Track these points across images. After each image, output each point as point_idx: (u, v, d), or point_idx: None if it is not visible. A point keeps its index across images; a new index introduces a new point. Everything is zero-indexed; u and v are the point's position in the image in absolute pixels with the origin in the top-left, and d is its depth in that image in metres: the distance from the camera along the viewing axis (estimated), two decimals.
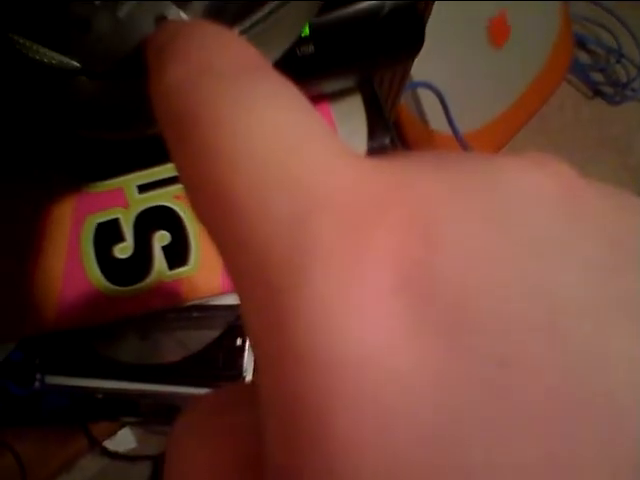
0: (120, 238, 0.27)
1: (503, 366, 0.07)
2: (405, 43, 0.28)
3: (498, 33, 0.81)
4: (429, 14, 0.35)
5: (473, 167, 0.09)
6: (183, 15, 0.20)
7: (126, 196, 0.28)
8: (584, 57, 1.07)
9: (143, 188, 0.28)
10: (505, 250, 0.08)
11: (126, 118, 0.20)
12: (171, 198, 0.28)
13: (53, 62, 0.20)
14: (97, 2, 0.20)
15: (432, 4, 0.34)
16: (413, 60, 0.31)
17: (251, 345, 0.09)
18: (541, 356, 0.07)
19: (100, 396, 0.45)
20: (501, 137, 0.86)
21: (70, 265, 0.27)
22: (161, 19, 0.20)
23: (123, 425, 0.60)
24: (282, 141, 0.09)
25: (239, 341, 0.40)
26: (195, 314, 0.35)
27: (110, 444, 0.61)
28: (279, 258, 0.08)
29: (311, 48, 0.26)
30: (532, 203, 0.08)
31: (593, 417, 0.07)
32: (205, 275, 0.28)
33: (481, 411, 0.07)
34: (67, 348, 0.39)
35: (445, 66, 0.76)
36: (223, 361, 0.41)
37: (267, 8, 0.21)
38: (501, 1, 0.81)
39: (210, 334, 0.40)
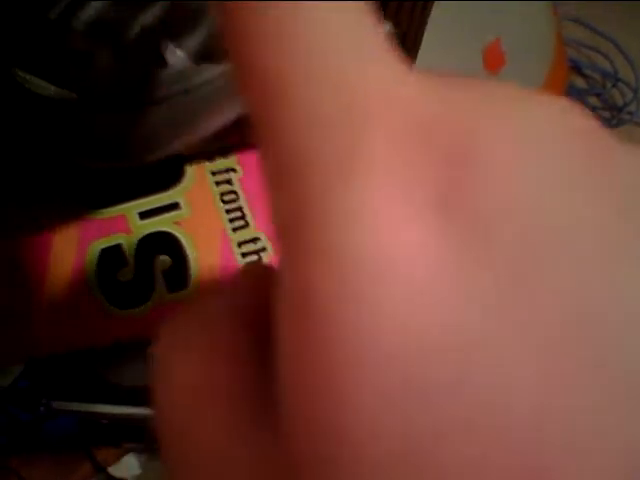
0: (123, 263, 0.28)
1: (517, 286, 0.07)
2: None
3: (493, 59, 0.82)
4: (419, 44, 0.36)
5: (513, 95, 0.09)
6: (179, 53, 0.22)
7: (128, 222, 0.29)
8: (580, 82, 1.08)
9: (144, 215, 0.30)
10: (533, 181, 0.08)
11: (124, 148, 0.21)
12: (171, 224, 0.30)
13: (53, 95, 0.21)
14: (97, 37, 0.22)
15: (419, 46, 0.35)
16: None
17: (273, 243, 0.09)
18: (553, 280, 0.07)
19: (105, 421, 0.45)
20: None
21: (75, 289, 0.28)
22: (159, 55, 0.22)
23: (127, 451, 0.61)
24: (345, 41, 0.09)
25: None
26: None
27: (115, 470, 0.61)
28: (327, 157, 0.08)
29: None
30: (566, 137, 0.09)
31: (590, 338, 0.07)
32: None
33: (489, 326, 0.07)
34: (73, 373, 0.40)
35: None
36: None
37: None
38: (495, 28, 0.82)
39: None
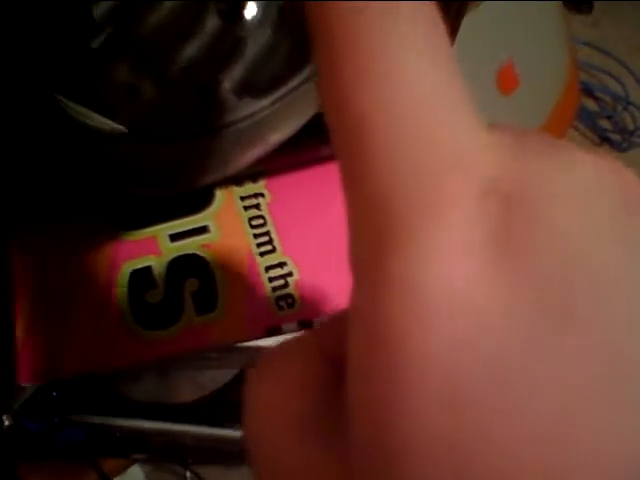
0: (153, 285, 0.29)
1: (564, 317, 0.09)
2: None
3: (507, 81, 0.83)
4: None
5: (569, 157, 0.11)
6: (225, 85, 0.22)
7: (159, 244, 0.30)
8: (591, 104, 1.08)
9: (175, 237, 0.30)
10: (578, 232, 0.09)
11: (167, 178, 0.22)
12: (200, 247, 0.30)
13: (99, 126, 0.22)
14: (141, 69, 0.22)
15: None
16: None
17: (350, 266, 0.10)
18: (594, 315, 0.09)
19: (118, 434, 0.45)
20: None
21: (105, 310, 0.28)
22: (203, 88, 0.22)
23: (133, 462, 0.61)
24: (433, 104, 0.10)
25: None
26: (212, 354, 0.36)
27: None
28: (408, 203, 0.09)
29: None
30: (605, 198, 0.10)
31: (626, 378, 0.08)
32: (231, 321, 0.29)
33: (538, 354, 0.08)
34: (86, 385, 0.40)
35: None
36: (239, 401, 0.42)
37: (291, 84, 0.23)
38: (509, 50, 0.83)
39: (226, 374, 0.41)
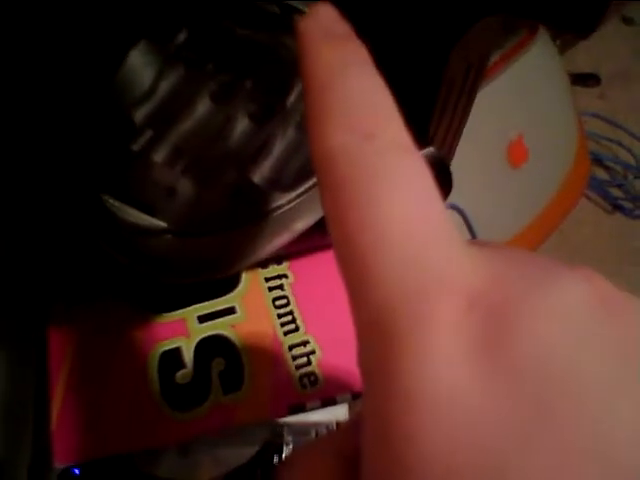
0: (181, 365, 0.30)
1: (548, 416, 0.10)
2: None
3: (516, 155, 0.85)
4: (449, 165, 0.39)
5: (544, 273, 0.12)
6: (255, 181, 0.24)
7: (187, 326, 0.31)
8: (602, 174, 1.10)
9: (203, 319, 0.32)
10: (557, 338, 0.11)
11: (203, 267, 0.23)
12: (227, 327, 0.31)
13: (139, 222, 0.23)
14: (178, 168, 0.24)
15: (452, 158, 0.38)
16: (445, 201, 0.35)
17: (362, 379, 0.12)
18: (570, 417, 0.10)
19: None
20: None
21: (137, 392, 0.29)
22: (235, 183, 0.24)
23: None
24: (415, 234, 0.12)
25: (276, 458, 0.41)
26: (233, 431, 0.36)
27: None
28: (402, 317, 0.11)
29: None
30: (581, 305, 0.11)
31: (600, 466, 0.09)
32: (256, 399, 0.30)
33: (529, 452, 0.10)
34: (107, 462, 0.40)
35: (468, 187, 0.79)
36: (261, 478, 0.42)
37: (314, 179, 0.25)
38: (519, 125, 0.85)
39: (247, 451, 0.41)
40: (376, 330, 0.11)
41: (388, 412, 0.11)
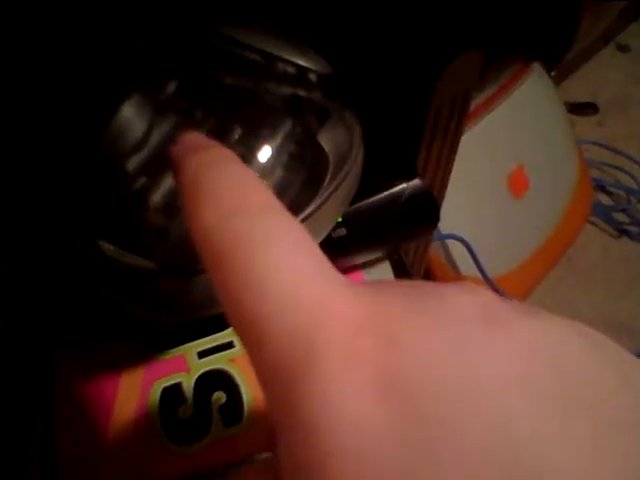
0: (182, 400, 0.31)
1: (443, 433, 0.10)
2: (423, 222, 0.33)
3: (517, 185, 0.86)
4: (443, 197, 0.40)
5: (426, 293, 0.13)
6: None
7: (187, 362, 0.32)
8: (605, 199, 1.10)
9: (202, 354, 0.33)
10: (444, 351, 0.11)
11: (199, 306, 0.24)
12: (226, 361, 0.32)
13: (134, 263, 0.24)
14: (170, 212, 0.25)
15: (445, 190, 0.39)
16: (432, 234, 0.36)
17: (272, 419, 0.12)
18: (468, 431, 0.10)
19: None
20: (530, 279, 0.88)
21: (139, 429, 0.30)
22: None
23: None
24: (290, 281, 0.12)
25: None
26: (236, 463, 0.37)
27: None
28: (293, 358, 0.12)
29: (343, 231, 0.31)
30: (464, 316, 0.12)
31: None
32: (256, 431, 0.31)
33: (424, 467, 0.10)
34: None
35: (470, 217, 0.80)
36: None
37: (313, 205, 0.26)
38: (519, 156, 0.87)
39: None
40: (277, 379, 0.12)
41: (294, 446, 0.11)
